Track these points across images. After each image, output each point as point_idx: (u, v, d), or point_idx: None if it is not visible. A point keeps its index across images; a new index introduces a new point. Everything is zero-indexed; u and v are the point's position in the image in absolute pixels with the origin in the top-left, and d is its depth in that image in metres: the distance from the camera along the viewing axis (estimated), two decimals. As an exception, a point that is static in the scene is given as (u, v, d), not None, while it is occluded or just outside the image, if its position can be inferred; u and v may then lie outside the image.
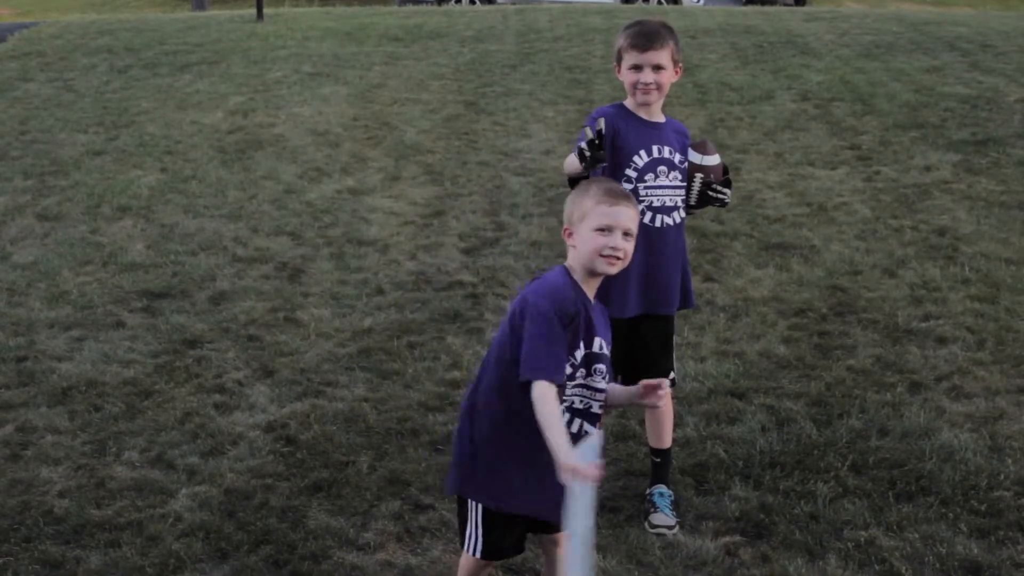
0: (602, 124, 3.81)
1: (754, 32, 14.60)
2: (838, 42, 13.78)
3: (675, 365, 4.30)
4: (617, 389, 3.38)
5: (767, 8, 18.50)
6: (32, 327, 6.05)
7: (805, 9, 18.53)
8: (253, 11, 16.78)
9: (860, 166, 8.89)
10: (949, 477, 4.41)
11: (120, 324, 6.10)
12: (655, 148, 4.05)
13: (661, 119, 4.12)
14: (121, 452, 4.74)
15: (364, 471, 4.56)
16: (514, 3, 19.43)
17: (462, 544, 3.39)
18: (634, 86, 4.04)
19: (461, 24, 15.52)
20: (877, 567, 3.89)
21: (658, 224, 4.06)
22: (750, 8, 18.82)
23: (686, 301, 4.24)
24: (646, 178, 4.03)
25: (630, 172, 4.02)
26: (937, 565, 3.89)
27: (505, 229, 7.59)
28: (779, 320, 6.04)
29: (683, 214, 4.14)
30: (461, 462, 3.32)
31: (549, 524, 3.43)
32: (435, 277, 6.76)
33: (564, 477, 2.87)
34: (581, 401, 3.27)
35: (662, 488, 4.27)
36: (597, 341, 3.26)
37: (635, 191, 4.02)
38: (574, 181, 3.94)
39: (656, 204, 4.05)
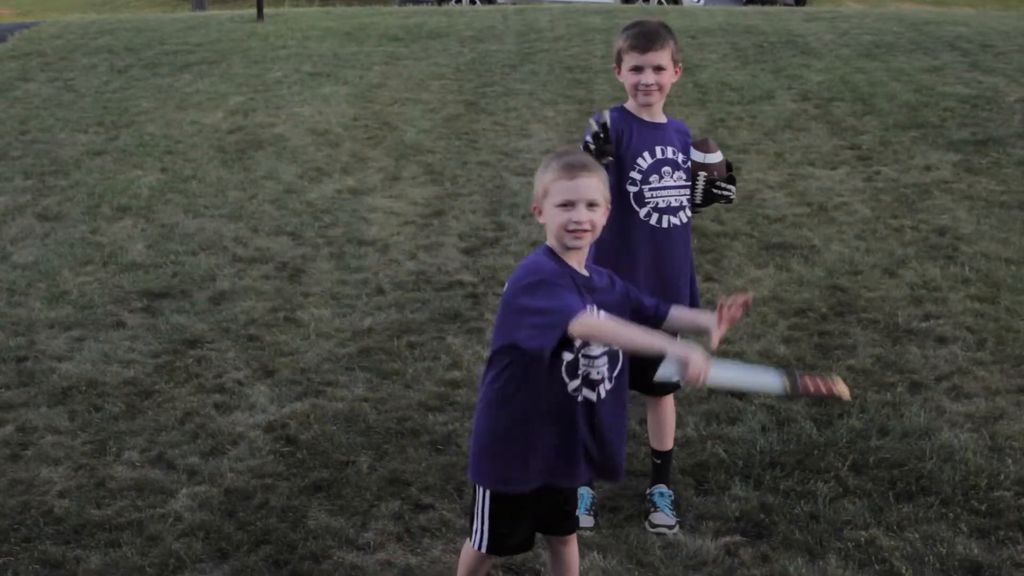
0: (607, 116, 3.79)
1: (754, 32, 14.60)
2: (838, 42, 13.78)
3: None
4: (683, 313, 3.41)
5: (767, 8, 18.50)
6: (32, 327, 6.05)
7: (805, 9, 18.54)
8: (253, 11, 16.79)
9: (860, 166, 8.89)
10: (949, 477, 4.41)
11: (120, 324, 6.10)
12: (658, 149, 4.05)
13: (663, 119, 4.12)
14: (121, 452, 4.74)
15: (364, 471, 4.56)
16: (514, 3, 19.42)
17: (470, 536, 3.39)
18: (635, 87, 4.03)
19: (461, 24, 15.52)
20: (877, 567, 3.89)
21: (665, 225, 4.06)
22: (750, 8, 18.82)
23: (692, 301, 4.25)
24: (651, 180, 4.03)
25: (634, 175, 4.02)
26: (937, 565, 3.89)
27: (505, 229, 7.59)
28: (779, 320, 6.04)
29: (689, 213, 4.13)
30: (471, 450, 3.35)
31: (559, 525, 3.43)
32: (435, 277, 6.76)
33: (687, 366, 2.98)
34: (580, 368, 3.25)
35: (662, 488, 4.27)
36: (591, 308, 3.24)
37: (640, 193, 4.02)
38: None
39: (662, 205, 4.05)
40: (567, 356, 3.20)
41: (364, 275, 6.79)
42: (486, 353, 5.58)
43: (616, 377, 3.31)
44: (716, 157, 4.11)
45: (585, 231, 3.19)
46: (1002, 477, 4.41)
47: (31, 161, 9.30)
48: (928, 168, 8.75)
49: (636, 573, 3.89)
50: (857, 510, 4.21)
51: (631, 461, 4.63)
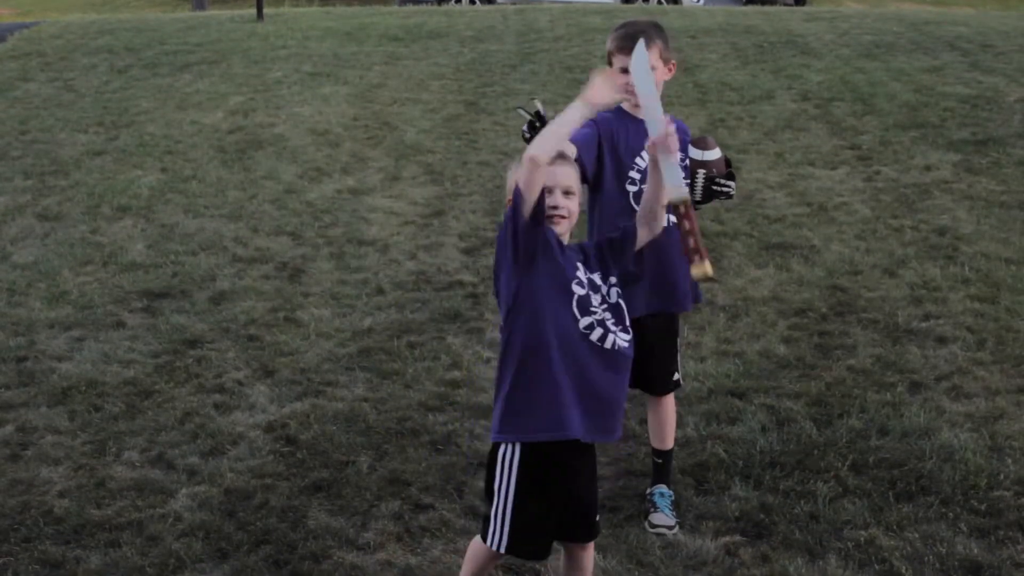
0: (538, 105, 3.74)
1: (754, 32, 14.60)
2: (838, 42, 13.78)
3: (679, 366, 4.29)
4: (646, 191, 3.46)
5: (767, 8, 18.50)
6: (32, 327, 6.06)
7: (805, 9, 18.54)
8: (253, 11, 16.78)
9: (860, 166, 8.89)
10: (949, 477, 4.41)
11: (120, 324, 6.10)
12: None
13: None
14: (121, 452, 4.74)
15: (364, 471, 4.56)
16: (514, 3, 19.42)
17: (484, 535, 3.32)
18: (625, 89, 4.03)
19: (461, 24, 15.52)
20: (877, 567, 3.89)
21: (665, 223, 4.05)
22: (750, 8, 18.82)
23: (695, 297, 4.27)
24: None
25: (633, 174, 4.01)
26: (937, 565, 3.89)
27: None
28: (779, 320, 6.04)
29: None
30: (495, 415, 3.30)
31: (582, 531, 3.41)
32: (435, 277, 6.76)
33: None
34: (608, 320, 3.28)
35: (662, 488, 4.27)
36: (580, 265, 3.28)
37: (639, 193, 4.01)
38: None
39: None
40: (578, 290, 3.22)
41: (364, 275, 6.79)
42: (486, 352, 5.60)
43: (630, 328, 3.33)
44: (715, 154, 4.10)
45: (563, 216, 3.25)
46: (1002, 477, 4.41)
47: (31, 161, 9.30)
48: (928, 168, 8.75)
49: (636, 573, 3.89)
50: (857, 510, 4.21)
51: (631, 461, 4.63)
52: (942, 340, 5.73)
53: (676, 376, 4.26)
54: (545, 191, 3.20)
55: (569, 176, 3.30)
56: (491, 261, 6.95)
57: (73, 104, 11.25)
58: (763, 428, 4.84)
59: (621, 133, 4.02)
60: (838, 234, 7.36)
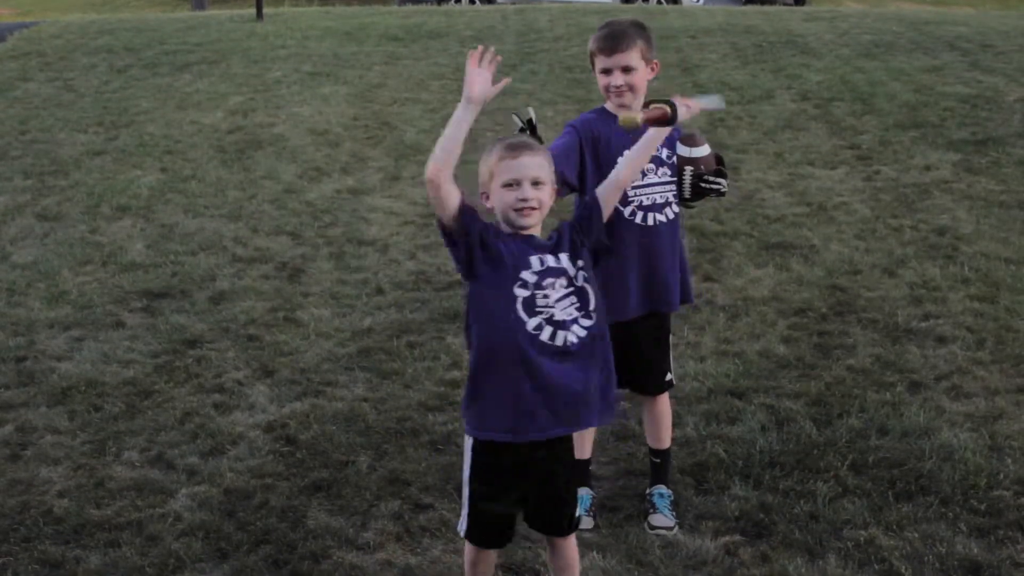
0: (531, 113, 3.71)
1: (754, 32, 14.60)
2: (838, 42, 13.78)
3: (672, 365, 4.28)
4: (633, 156, 3.51)
5: (767, 8, 18.50)
6: (32, 327, 6.06)
7: (805, 9, 18.54)
8: (253, 11, 16.78)
9: (860, 166, 8.89)
10: (949, 477, 4.41)
11: (120, 324, 6.10)
12: None
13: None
14: (121, 452, 4.74)
15: (364, 471, 4.56)
16: (514, 3, 19.42)
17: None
18: (607, 89, 4.02)
19: (461, 24, 15.52)
20: (877, 566, 3.89)
21: (651, 223, 4.04)
22: (750, 8, 18.82)
23: (685, 297, 4.22)
24: (634, 178, 4.01)
25: None
26: (937, 564, 3.89)
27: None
28: (779, 320, 6.04)
29: (676, 209, 4.10)
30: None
31: (556, 524, 3.43)
32: (435, 277, 6.76)
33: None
34: (562, 312, 3.24)
35: (662, 489, 4.27)
36: (534, 258, 3.25)
37: (624, 194, 4.00)
38: None
39: (647, 203, 4.02)
40: (521, 292, 3.21)
41: (364, 275, 6.79)
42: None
43: (594, 312, 3.27)
44: (703, 151, 4.06)
45: (533, 208, 3.23)
46: (1001, 476, 4.41)
47: (31, 161, 9.30)
48: (928, 168, 8.75)
49: (636, 573, 3.89)
50: (856, 510, 4.21)
51: (631, 461, 4.63)
52: (942, 340, 5.73)
53: (669, 376, 4.25)
54: (512, 184, 3.21)
55: (538, 166, 3.26)
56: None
57: (73, 104, 11.25)
58: (763, 428, 4.84)
59: (603, 132, 4.00)
60: (838, 234, 7.36)
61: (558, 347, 3.22)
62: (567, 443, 3.39)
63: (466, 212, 3.21)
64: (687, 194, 4.09)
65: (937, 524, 4.11)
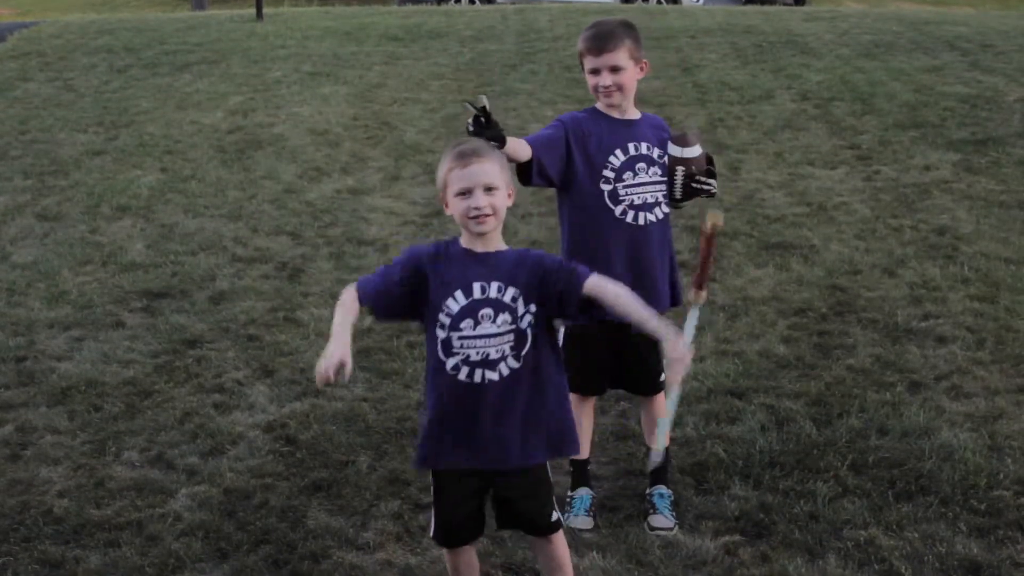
0: (484, 100, 3.66)
1: (754, 32, 14.60)
2: (838, 42, 13.78)
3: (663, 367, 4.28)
4: (630, 305, 3.17)
5: (767, 8, 18.50)
6: (32, 327, 6.06)
7: (805, 9, 18.54)
8: (253, 11, 16.78)
9: (860, 166, 8.89)
10: (948, 476, 4.40)
11: (120, 324, 6.10)
12: (631, 146, 4.01)
13: (635, 115, 4.09)
14: (121, 452, 4.74)
15: (364, 471, 4.56)
16: (514, 3, 19.42)
17: None
18: (595, 89, 4.03)
19: (461, 24, 15.52)
20: (877, 566, 3.89)
21: (641, 222, 4.03)
22: (750, 8, 18.82)
23: (674, 298, 4.20)
24: (624, 177, 3.99)
25: (607, 173, 3.98)
26: (937, 564, 3.89)
27: (504, 228, 7.57)
28: (779, 320, 6.04)
29: (666, 209, 4.09)
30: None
31: (531, 523, 3.44)
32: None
33: None
34: (477, 352, 3.23)
35: (662, 489, 4.27)
36: (477, 286, 3.23)
37: (614, 192, 3.99)
38: (520, 171, 3.91)
39: (637, 202, 4.01)
40: (440, 334, 3.23)
41: (364, 275, 6.77)
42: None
43: (524, 357, 3.24)
44: (694, 151, 4.03)
45: (487, 215, 3.22)
46: (1001, 476, 4.41)
47: (31, 161, 9.30)
48: (928, 168, 8.75)
49: (635, 573, 3.89)
50: (856, 510, 4.21)
51: (631, 461, 4.63)
52: (942, 340, 5.73)
53: (663, 377, 4.25)
54: (464, 192, 3.21)
55: (488, 172, 3.21)
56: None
57: (73, 104, 11.25)
58: (763, 428, 4.84)
59: (593, 131, 3.99)
60: (837, 234, 7.36)
61: (478, 384, 3.22)
62: (533, 468, 3.38)
63: (380, 315, 3.49)
64: (677, 194, 4.07)
65: (937, 524, 4.11)
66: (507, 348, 3.22)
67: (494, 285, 3.23)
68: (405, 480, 4.48)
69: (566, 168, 3.98)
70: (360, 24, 15.61)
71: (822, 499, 4.27)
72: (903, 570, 3.85)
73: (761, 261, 6.91)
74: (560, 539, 3.49)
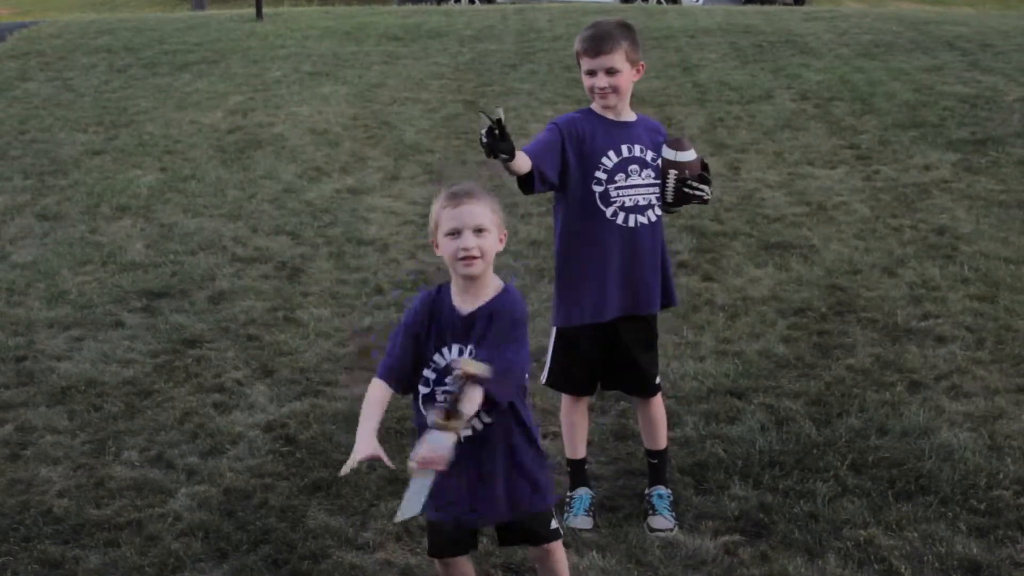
0: (500, 113, 3.66)
1: (754, 32, 14.60)
2: (837, 42, 13.78)
3: (660, 367, 4.27)
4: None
5: (767, 8, 18.50)
6: (31, 327, 6.06)
7: (805, 9, 18.53)
8: (252, 11, 16.78)
9: (859, 165, 8.89)
10: (948, 476, 4.40)
11: (119, 324, 6.10)
12: (624, 148, 4.00)
13: (631, 117, 4.07)
14: (120, 452, 4.74)
15: (364, 471, 4.55)
16: (514, 3, 19.42)
17: None
18: (591, 91, 4.02)
19: (461, 23, 15.52)
20: (876, 566, 3.89)
21: (632, 224, 4.01)
22: (750, 8, 18.82)
23: (668, 300, 4.19)
24: (616, 179, 3.97)
25: (599, 174, 3.97)
26: (936, 564, 3.89)
27: (505, 228, 7.58)
28: (778, 319, 6.04)
29: (658, 212, 4.07)
30: None
31: (525, 541, 3.45)
32: (434, 277, 6.76)
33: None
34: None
35: (661, 489, 4.26)
36: (454, 348, 3.20)
37: (606, 193, 3.97)
38: (522, 182, 3.89)
39: (628, 204, 4.00)
40: (422, 389, 3.24)
41: (363, 275, 6.79)
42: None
43: (492, 413, 3.19)
44: (689, 156, 4.01)
45: (474, 257, 3.15)
46: (1001, 476, 4.41)
47: (30, 161, 9.30)
48: (927, 167, 8.75)
49: (635, 572, 3.89)
50: (856, 509, 4.21)
51: (630, 461, 4.63)
52: (941, 339, 5.73)
53: (659, 380, 4.24)
54: (453, 233, 3.16)
55: (479, 214, 3.17)
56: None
57: (72, 104, 11.25)
58: (762, 427, 4.84)
59: (588, 131, 3.98)
60: (837, 234, 7.36)
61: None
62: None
63: (396, 388, 3.29)
64: (670, 198, 4.04)
65: (937, 524, 4.11)
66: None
67: (469, 347, 3.21)
68: (405, 480, 4.46)
69: (563, 168, 3.97)
70: (360, 24, 15.61)
71: (822, 499, 4.27)
72: (903, 570, 3.85)
73: (761, 261, 6.91)
74: (558, 549, 3.46)
